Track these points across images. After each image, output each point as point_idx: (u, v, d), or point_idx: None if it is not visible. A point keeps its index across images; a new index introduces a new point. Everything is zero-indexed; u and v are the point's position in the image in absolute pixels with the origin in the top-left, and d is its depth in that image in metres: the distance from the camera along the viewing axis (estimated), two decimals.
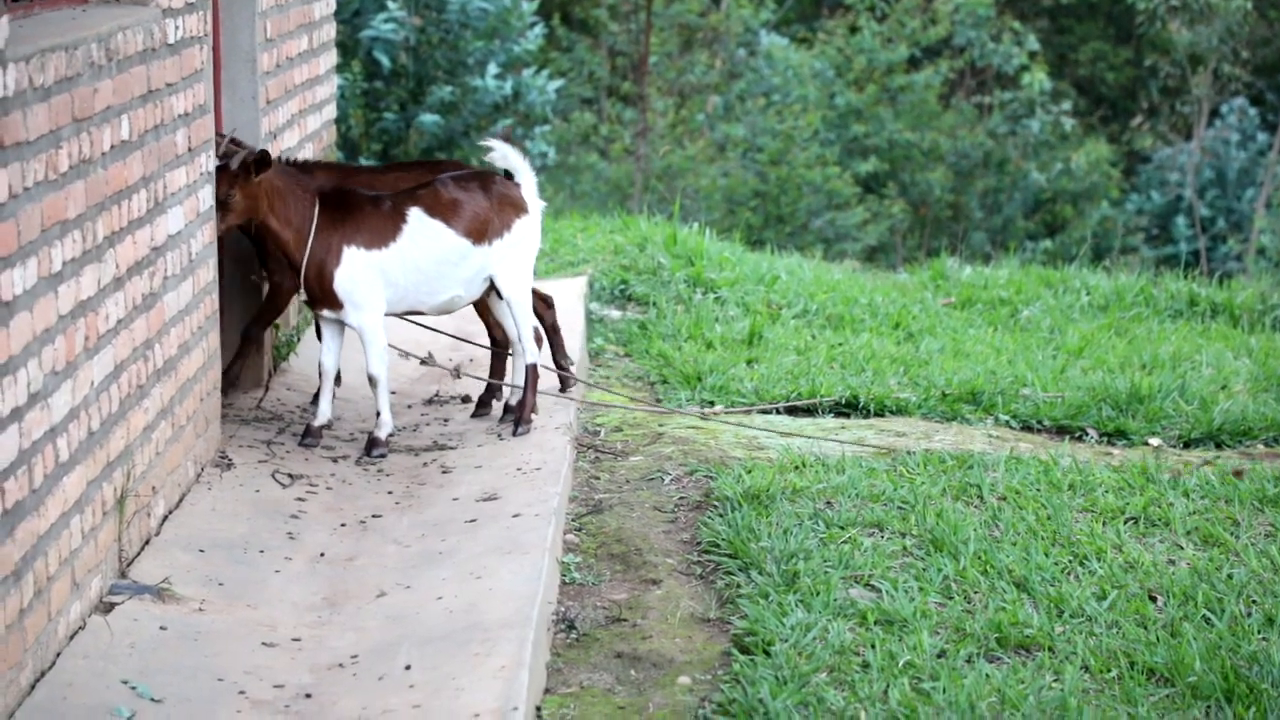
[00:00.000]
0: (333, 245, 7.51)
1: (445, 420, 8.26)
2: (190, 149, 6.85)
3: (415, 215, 7.61)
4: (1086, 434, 8.39)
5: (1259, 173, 26.00)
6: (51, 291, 5.27)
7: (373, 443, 7.65)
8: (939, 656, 5.70)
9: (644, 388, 9.01)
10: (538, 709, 5.39)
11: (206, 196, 7.14)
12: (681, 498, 7.20)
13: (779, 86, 25.54)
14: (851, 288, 11.33)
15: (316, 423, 7.72)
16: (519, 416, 7.86)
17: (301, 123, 9.24)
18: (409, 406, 8.50)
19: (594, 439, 7.98)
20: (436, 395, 8.64)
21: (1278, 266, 22.22)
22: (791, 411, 8.54)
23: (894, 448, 7.83)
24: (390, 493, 7.28)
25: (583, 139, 25.50)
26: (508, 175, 7.84)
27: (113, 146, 5.86)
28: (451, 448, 7.81)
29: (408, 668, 5.52)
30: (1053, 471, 7.41)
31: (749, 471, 7.31)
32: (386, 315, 7.68)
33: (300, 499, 7.08)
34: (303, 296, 7.62)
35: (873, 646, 5.73)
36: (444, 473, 7.47)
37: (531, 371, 7.85)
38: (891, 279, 12.55)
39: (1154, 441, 8.28)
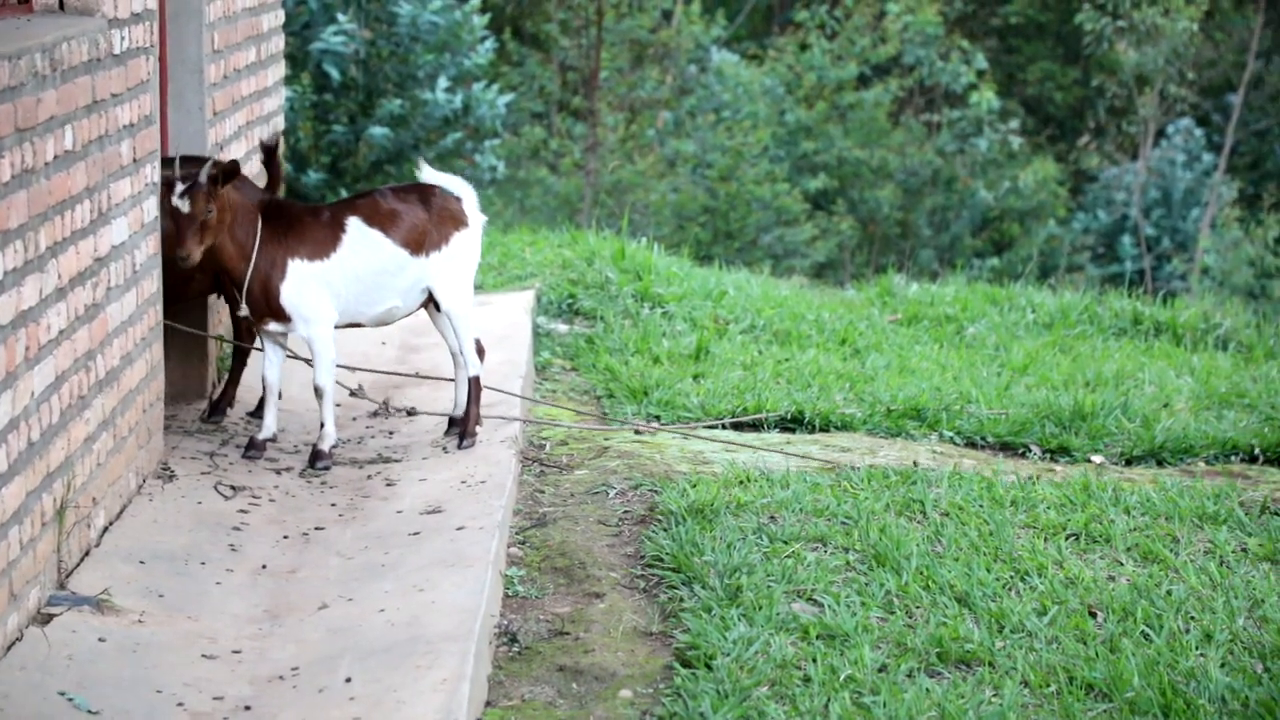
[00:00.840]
0: (277, 259, 7.47)
1: (390, 433, 8.25)
2: (135, 160, 6.83)
3: (354, 225, 7.58)
4: (1030, 450, 8.44)
5: (1204, 193, 26.22)
6: None
7: (317, 455, 7.63)
8: (880, 671, 5.72)
9: (590, 401, 9.02)
10: None
11: (151, 208, 7.11)
12: (626, 512, 7.21)
13: (729, 103, 25.63)
14: (799, 304, 11.37)
15: (261, 436, 7.69)
16: (463, 430, 7.85)
17: (249, 135, 9.22)
18: (354, 419, 8.48)
19: (539, 452, 7.98)
20: (383, 404, 8.62)
21: (1221, 286, 22.41)
22: (737, 426, 8.56)
23: (838, 463, 7.86)
24: (334, 505, 7.27)
25: (533, 153, 25.53)
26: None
27: (56, 157, 5.84)
28: (396, 460, 7.80)
29: (349, 680, 5.50)
30: (995, 488, 7.45)
31: (694, 486, 7.32)
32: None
33: (243, 511, 7.06)
34: (244, 312, 7.56)
35: (814, 661, 5.75)
36: (388, 485, 7.45)
37: (475, 384, 7.84)
38: (839, 295, 12.60)
39: (1096, 459, 8.34)
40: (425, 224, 7.64)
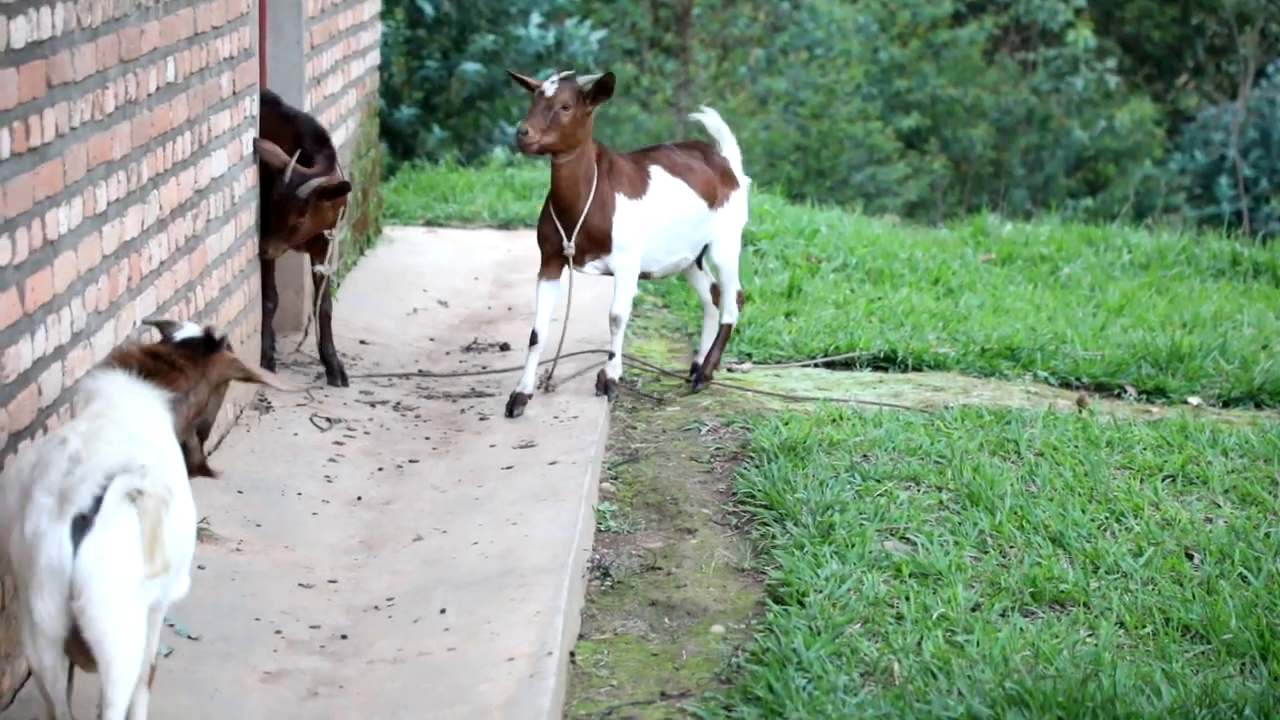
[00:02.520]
0: (607, 195, 7.51)
1: (483, 367, 8.29)
2: (234, 92, 6.87)
3: (658, 173, 7.70)
4: (1125, 391, 8.36)
5: None
6: (96, 231, 5.30)
7: (608, 384, 7.67)
8: (973, 610, 5.71)
9: (682, 339, 9.01)
10: (571, 654, 5.42)
11: (249, 140, 7.15)
12: (718, 448, 7.21)
13: (822, 40, 25.43)
14: (891, 243, 11.30)
15: (524, 390, 7.54)
16: (701, 373, 7.97)
17: (345, 68, 9.25)
18: (447, 353, 8.52)
19: (631, 388, 7.99)
20: (475, 343, 8.66)
21: None
22: (830, 365, 8.54)
23: (931, 403, 7.82)
24: (427, 438, 7.32)
25: (624, 90, 25.41)
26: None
27: (158, 88, 5.88)
28: (489, 395, 7.83)
29: (443, 611, 5.55)
30: (1090, 428, 7.40)
31: (786, 423, 7.31)
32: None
33: (338, 443, 7.12)
34: (570, 250, 7.50)
35: (907, 599, 5.74)
36: (481, 419, 7.49)
37: (726, 331, 7.98)
38: (932, 234, 12.51)
39: (1193, 400, 8.26)
40: (713, 180, 7.82)
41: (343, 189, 7.36)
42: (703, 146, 7.98)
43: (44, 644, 4.04)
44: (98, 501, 4.04)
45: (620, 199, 7.52)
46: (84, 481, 4.06)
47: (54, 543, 4.01)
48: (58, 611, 4.01)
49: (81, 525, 4.01)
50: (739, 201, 7.95)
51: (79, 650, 4.07)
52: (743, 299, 8.11)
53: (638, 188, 7.59)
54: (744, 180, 8.03)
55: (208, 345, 4.89)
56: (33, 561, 4.03)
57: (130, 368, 4.63)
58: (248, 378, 5.05)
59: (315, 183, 7.25)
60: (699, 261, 8.01)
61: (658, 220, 7.63)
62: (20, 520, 4.10)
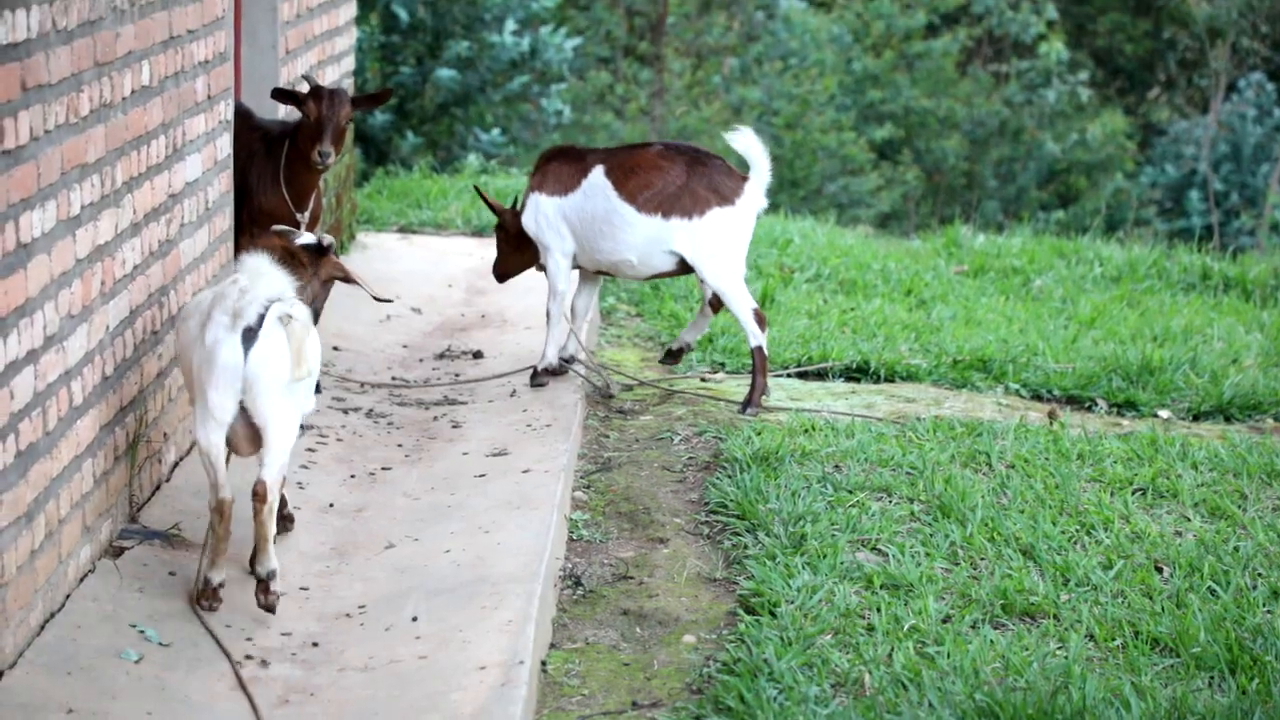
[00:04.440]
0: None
1: (456, 375, 8.28)
2: (210, 96, 6.85)
3: (596, 174, 7.81)
4: (1096, 404, 8.39)
5: (1275, 148, 25.91)
6: (69, 235, 5.28)
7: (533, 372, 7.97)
8: (944, 622, 5.72)
9: (655, 348, 9.01)
10: (543, 663, 5.41)
11: (224, 145, 7.14)
12: (690, 458, 7.22)
13: (796, 50, 25.48)
14: (864, 253, 11.32)
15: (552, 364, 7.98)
16: (750, 399, 7.77)
17: (320, 74, 9.23)
18: (420, 360, 8.51)
19: (605, 397, 7.99)
20: (448, 350, 8.65)
21: None
22: (802, 376, 8.55)
23: (903, 414, 7.84)
24: (400, 445, 7.30)
25: (598, 98, 25.44)
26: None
27: (133, 91, 5.87)
28: (462, 402, 7.82)
29: (415, 619, 5.55)
30: (1061, 441, 7.42)
31: (758, 433, 7.32)
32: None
33: (310, 449, 7.10)
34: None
35: (878, 610, 5.75)
36: (454, 427, 7.48)
37: (753, 355, 7.74)
38: (904, 245, 12.54)
39: (1163, 414, 8.29)
40: (679, 192, 7.73)
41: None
42: (707, 158, 7.78)
43: (213, 427, 5.46)
44: (260, 319, 5.45)
45: (534, 197, 7.83)
46: (251, 305, 5.48)
47: (229, 348, 5.42)
48: (229, 402, 5.43)
49: (249, 336, 5.43)
50: (726, 222, 7.68)
51: (238, 434, 5.51)
52: (762, 318, 7.73)
53: (568, 186, 7.78)
54: (747, 205, 7.75)
55: (319, 250, 6.25)
56: (212, 363, 5.42)
57: (273, 253, 5.95)
58: (347, 278, 6.35)
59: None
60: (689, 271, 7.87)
61: (578, 218, 7.75)
62: (201, 336, 5.50)
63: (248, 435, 5.53)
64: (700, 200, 7.69)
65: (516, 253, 8.10)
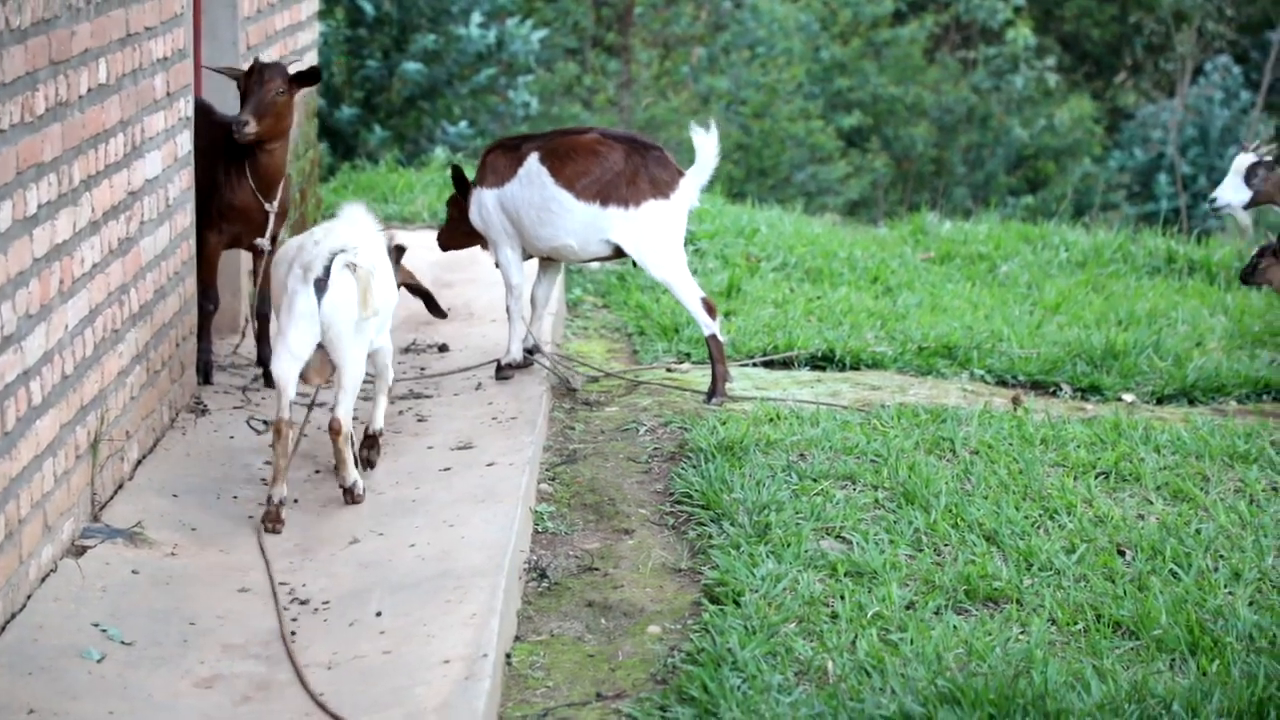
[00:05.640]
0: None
1: (422, 369, 8.28)
2: (169, 94, 6.84)
3: (531, 160, 7.80)
4: (1060, 389, 8.42)
5: (1241, 131, 25.98)
6: (27, 234, 5.27)
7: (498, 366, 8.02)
8: (907, 608, 5.74)
9: (621, 339, 9.02)
10: (508, 656, 5.42)
11: (185, 142, 7.12)
12: (655, 449, 7.23)
13: (764, 39, 25.48)
14: (831, 241, 11.34)
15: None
16: (713, 389, 7.79)
17: None
18: None
19: (568, 390, 7.99)
20: (414, 344, 8.65)
21: (1256, 225, 22.22)
22: (768, 365, 8.57)
23: (868, 401, 7.86)
24: None
25: (566, 90, 25.40)
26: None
27: (90, 90, 5.85)
28: (428, 396, 7.82)
29: (379, 614, 5.55)
30: (1025, 426, 7.45)
31: (723, 423, 7.33)
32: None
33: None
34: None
35: (842, 598, 5.77)
36: (419, 421, 7.48)
37: (708, 343, 7.75)
38: (871, 233, 12.56)
39: (1127, 397, 8.32)
40: (615, 181, 7.69)
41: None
42: (645, 147, 7.71)
43: (288, 359, 6.32)
44: (327, 270, 6.27)
45: (477, 192, 7.88)
46: (318, 258, 6.31)
47: (305, 299, 6.29)
48: (306, 340, 6.31)
49: (320, 286, 6.28)
50: (661, 215, 7.62)
51: (309, 368, 6.40)
52: (711, 306, 7.71)
53: (504, 176, 7.79)
54: (682, 200, 7.66)
55: (400, 252, 6.98)
56: (291, 310, 6.30)
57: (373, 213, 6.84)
58: (417, 288, 7.27)
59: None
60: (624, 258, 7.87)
61: (515, 206, 7.76)
62: (285, 283, 6.40)
63: (319, 369, 6.46)
64: (637, 191, 7.63)
65: (462, 232, 8.10)
